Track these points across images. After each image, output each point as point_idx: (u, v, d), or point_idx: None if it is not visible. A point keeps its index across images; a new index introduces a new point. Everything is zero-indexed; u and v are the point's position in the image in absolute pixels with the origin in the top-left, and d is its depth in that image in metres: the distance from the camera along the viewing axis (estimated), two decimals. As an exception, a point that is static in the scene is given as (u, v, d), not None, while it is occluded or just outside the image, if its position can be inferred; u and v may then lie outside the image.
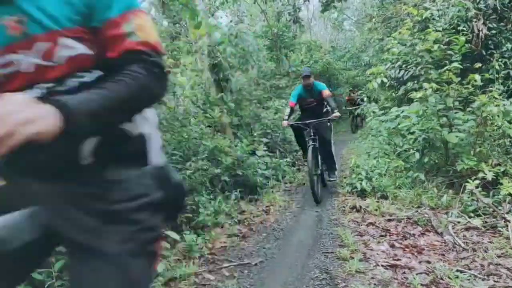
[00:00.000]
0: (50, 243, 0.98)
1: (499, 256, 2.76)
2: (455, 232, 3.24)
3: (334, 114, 4.89)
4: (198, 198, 3.84)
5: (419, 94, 4.53)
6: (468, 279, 2.43)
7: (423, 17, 5.88)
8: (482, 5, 6.06)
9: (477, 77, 4.36)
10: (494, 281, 2.40)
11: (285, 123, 5.17)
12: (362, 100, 10.71)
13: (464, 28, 5.86)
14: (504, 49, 6.02)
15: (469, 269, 2.58)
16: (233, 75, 7.22)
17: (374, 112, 7.15)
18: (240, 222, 4.07)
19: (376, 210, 4.05)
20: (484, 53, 6.04)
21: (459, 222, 3.46)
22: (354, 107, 13.24)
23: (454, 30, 5.86)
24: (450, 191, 4.20)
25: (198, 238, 3.31)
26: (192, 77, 6.42)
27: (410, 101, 5.45)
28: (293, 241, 3.51)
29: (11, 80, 0.85)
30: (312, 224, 3.99)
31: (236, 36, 7.62)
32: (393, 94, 7.58)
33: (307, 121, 4.99)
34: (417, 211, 3.90)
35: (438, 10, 6.33)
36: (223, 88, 6.88)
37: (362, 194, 4.73)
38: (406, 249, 3.04)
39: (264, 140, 6.75)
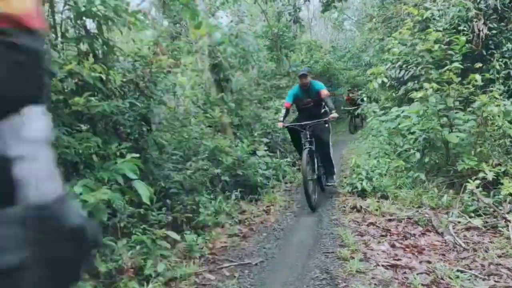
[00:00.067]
0: None
1: (499, 256, 2.76)
2: (455, 232, 3.23)
3: (331, 115, 4.67)
4: (198, 198, 3.85)
5: (419, 94, 4.53)
6: (469, 279, 2.43)
7: (424, 17, 5.88)
8: (482, 5, 6.06)
9: (478, 77, 4.36)
10: (495, 281, 2.40)
11: (280, 124, 4.98)
12: (362, 100, 10.70)
13: (465, 28, 5.86)
14: (505, 49, 6.02)
15: (470, 269, 2.58)
16: (233, 75, 7.24)
17: (374, 112, 7.16)
18: (241, 222, 4.07)
19: (376, 210, 4.05)
20: (485, 53, 6.04)
21: (459, 222, 3.46)
22: (353, 107, 13.24)
23: (454, 30, 5.86)
24: (451, 191, 4.20)
25: (198, 238, 3.31)
26: (192, 77, 6.43)
27: (411, 101, 5.45)
28: (293, 241, 3.51)
29: None
30: (312, 224, 3.99)
31: (236, 36, 7.65)
32: (394, 94, 7.58)
33: (303, 123, 4.76)
34: (417, 211, 3.90)
35: (438, 10, 6.33)
36: (224, 88, 6.90)
37: (363, 194, 4.73)
38: (407, 249, 3.03)
39: (265, 140, 6.77)
